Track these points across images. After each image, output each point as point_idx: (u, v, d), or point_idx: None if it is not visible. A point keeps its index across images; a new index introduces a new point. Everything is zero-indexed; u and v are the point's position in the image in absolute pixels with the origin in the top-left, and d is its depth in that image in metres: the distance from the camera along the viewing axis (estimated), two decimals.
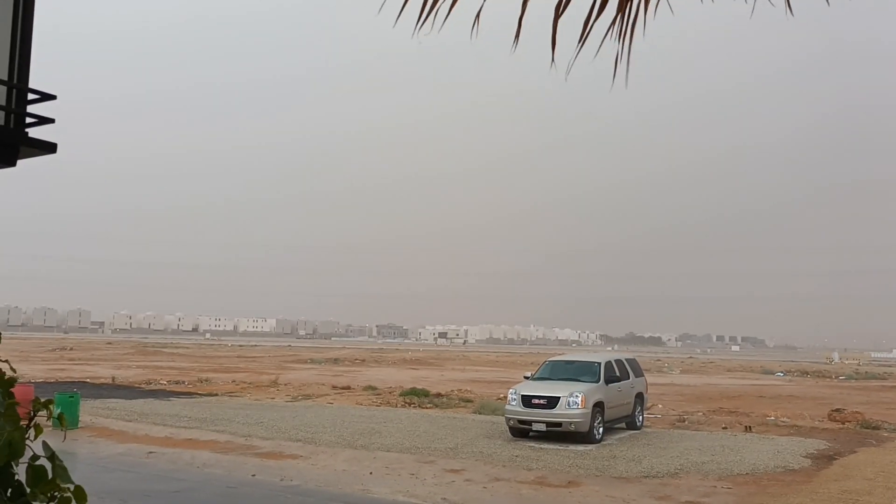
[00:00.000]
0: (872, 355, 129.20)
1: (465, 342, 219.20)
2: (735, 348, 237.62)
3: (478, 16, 2.10)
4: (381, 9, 2.10)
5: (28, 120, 3.16)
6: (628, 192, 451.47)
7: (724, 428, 20.48)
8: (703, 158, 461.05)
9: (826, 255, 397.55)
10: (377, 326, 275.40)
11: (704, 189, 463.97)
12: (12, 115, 3.10)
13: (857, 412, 23.23)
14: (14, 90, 3.12)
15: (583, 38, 2.06)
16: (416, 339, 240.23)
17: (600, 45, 2.09)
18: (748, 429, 19.99)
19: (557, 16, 2.03)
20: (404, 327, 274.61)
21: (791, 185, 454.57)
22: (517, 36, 2.10)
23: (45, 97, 3.21)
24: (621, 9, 2.07)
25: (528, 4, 2.06)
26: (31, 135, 3.13)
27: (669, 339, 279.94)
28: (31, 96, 3.20)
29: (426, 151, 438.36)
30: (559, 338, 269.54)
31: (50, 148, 3.17)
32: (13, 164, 3.11)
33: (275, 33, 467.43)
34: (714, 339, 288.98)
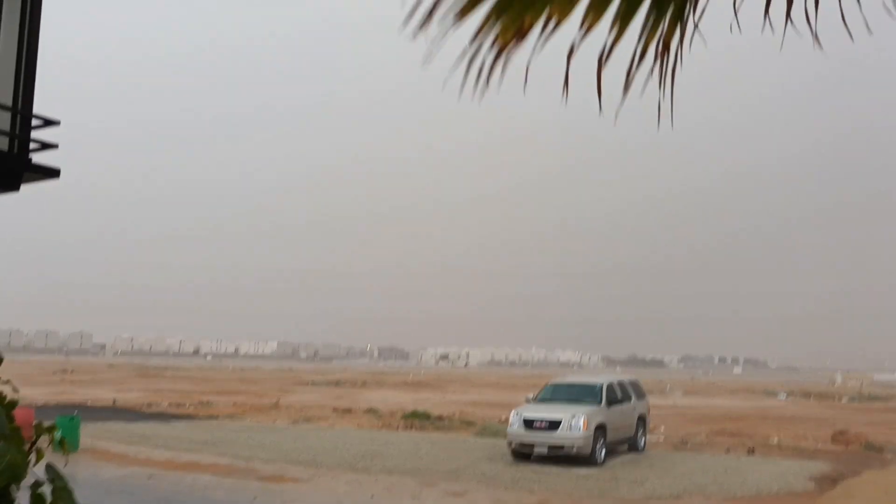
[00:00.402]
0: (875, 377, 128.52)
1: (466, 364, 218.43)
2: (737, 370, 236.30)
3: (527, 71, 2.19)
4: (445, 84, 2.18)
5: (32, 145, 3.20)
6: (631, 215, 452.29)
7: (726, 450, 20.36)
8: (705, 182, 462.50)
9: (827, 276, 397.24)
10: (378, 349, 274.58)
11: (706, 211, 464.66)
12: (16, 141, 3.14)
13: (860, 434, 23.10)
14: (18, 116, 3.16)
15: (627, 85, 2.15)
16: (418, 362, 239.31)
17: (643, 89, 2.19)
18: (751, 451, 19.88)
19: (601, 66, 2.12)
20: (405, 349, 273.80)
21: (793, 206, 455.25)
22: (566, 85, 2.19)
23: (49, 123, 3.25)
24: (659, 56, 2.16)
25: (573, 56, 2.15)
26: (34, 160, 3.17)
27: (671, 361, 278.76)
28: (34, 122, 3.24)
29: (434, 178, 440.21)
30: (561, 360, 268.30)
31: (53, 173, 3.20)
32: (17, 189, 3.14)
33: (286, 62, 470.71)
34: (716, 360, 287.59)
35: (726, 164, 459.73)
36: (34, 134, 3.24)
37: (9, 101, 3.11)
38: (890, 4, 2.06)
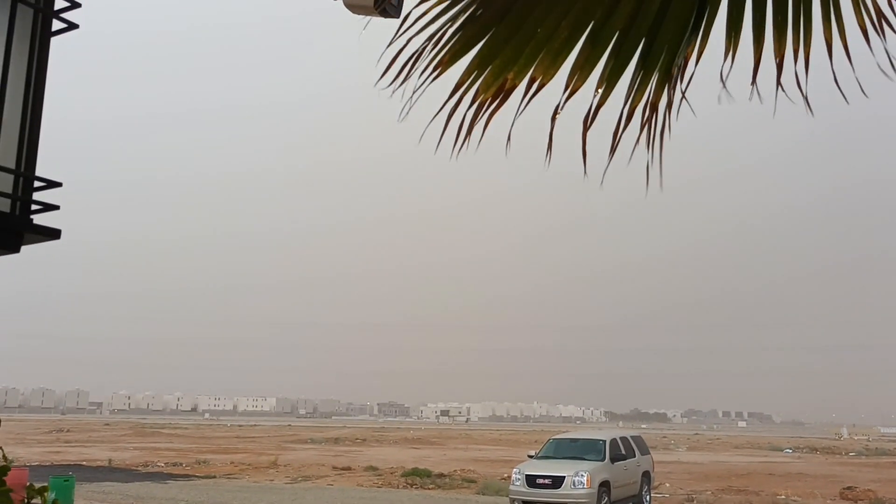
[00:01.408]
0: (882, 430, 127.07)
1: (467, 420, 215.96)
2: (742, 424, 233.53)
3: (509, 137, 2.19)
4: (421, 138, 2.19)
5: (33, 207, 3.24)
6: (632, 269, 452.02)
7: None
8: (707, 236, 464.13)
9: (832, 330, 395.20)
10: (378, 404, 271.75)
11: (709, 265, 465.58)
12: (18, 203, 3.18)
13: (869, 490, 22.73)
14: (21, 178, 3.21)
15: (613, 147, 2.14)
16: (418, 417, 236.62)
17: (632, 154, 2.18)
18: None
19: (586, 129, 2.10)
20: (406, 405, 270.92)
21: (796, 260, 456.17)
22: (549, 148, 2.17)
23: (51, 184, 3.30)
24: (647, 117, 2.15)
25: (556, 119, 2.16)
26: (35, 221, 3.20)
27: (675, 416, 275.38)
28: (37, 183, 3.29)
29: (431, 236, 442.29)
30: (563, 415, 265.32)
31: (54, 234, 3.23)
32: (17, 250, 3.17)
33: (286, 122, 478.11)
34: (720, 414, 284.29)
35: (729, 217, 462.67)
36: (36, 195, 3.28)
37: (12, 164, 3.16)
38: (887, 66, 2.07)
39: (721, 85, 2.14)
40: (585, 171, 2.15)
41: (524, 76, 2.15)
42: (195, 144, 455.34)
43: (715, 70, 2.16)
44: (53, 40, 3.49)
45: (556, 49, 2.13)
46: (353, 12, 2.93)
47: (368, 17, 2.78)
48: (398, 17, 2.96)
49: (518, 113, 2.16)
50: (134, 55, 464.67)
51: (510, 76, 2.16)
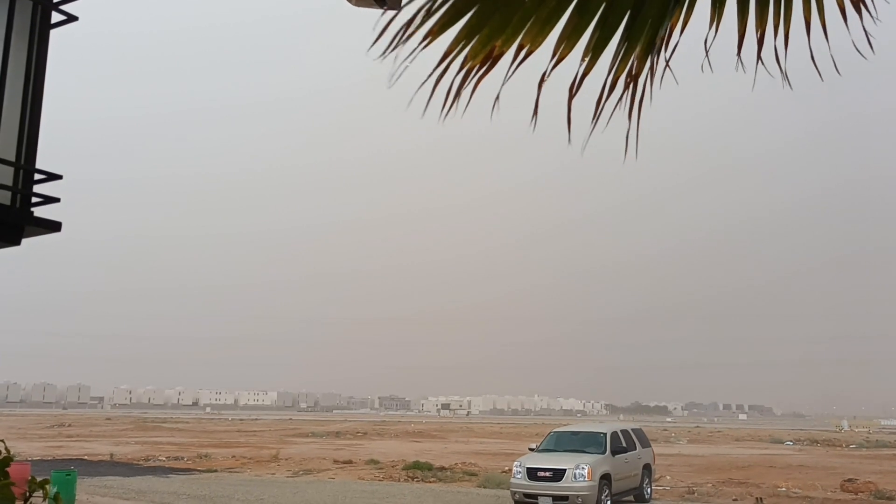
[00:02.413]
0: (882, 422, 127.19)
1: (468, 413, 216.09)
2: (742, 417, 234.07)
3: (497, 98, 2.22)
4: (409, 103, 2.22)
5: (34, 199, 3.23)
6: (635, 263, 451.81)
7: (734, 500, 20.04)
8: (708, 230, 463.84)
9: (832, 322, 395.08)
10: (379, 398, 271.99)
11: (708, 260, 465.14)
12: (18, 195, 3.18)
13: (869, 482, 22.76)
14: (21, 171, 3.20)
15: (596, 116, 2.19)
16: (419, 411, 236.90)
17: (608, 121, 2.22)
18: (759, 500, 19.55)
19: (571, 96, 2.16)
20: (406, 399, 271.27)
21: (797, 253, 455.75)
22: (534, 115, 2.21)
23: (52, 177, 3.29)
24: (628, 86, 2.20)
25: (543, 87, 2.19)
26: (36, 214, 3.20)
27: (675, 409, 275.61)
28: (37, 176, 3.28)
29: (433, 232, 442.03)
30: (564, 408, 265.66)
31: (54, 227, 3.23)
32: (17, 243, 3.17)
33: (286, 121, 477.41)
34: (721, 407, 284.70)
35: (729, 213, 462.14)
36: (36, 188, 3.27)
37: (12, 157, 3.15)
38: (863, 47, 2.11)
39: (705, 58, 2.21)
40: (570, 139, 2.20)
41: (512, 44, 2.19)
42: (194, 143, 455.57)
43: (699, 42, 2.22)
44: (55, 39, 3.48)
45: (543, 18, 2.18)
46: (354, 4, 2.92)
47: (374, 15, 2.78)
48: (398, 9, 2.95)
49: (506, 78, 2.19)
50: (134, 55, 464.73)
51: (498, 44, 2.20)
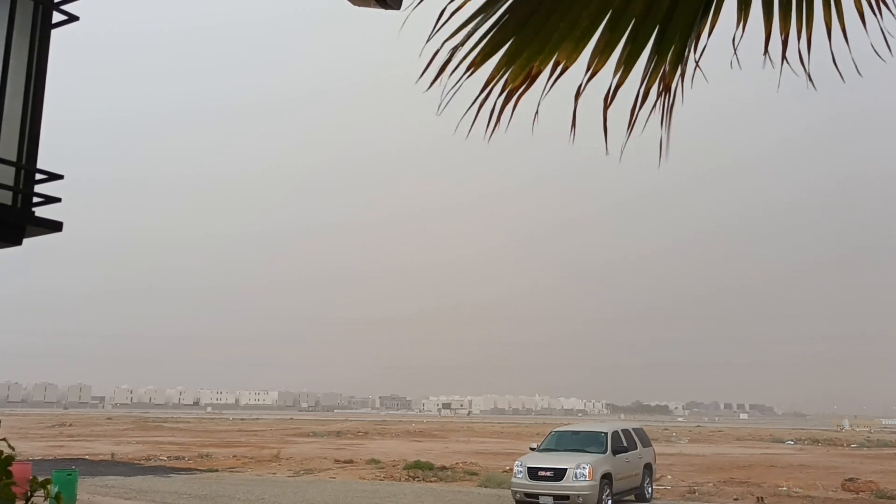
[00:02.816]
0: (883, 422, 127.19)
1: (469, 413, 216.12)
2: (743, 416, 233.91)
3: (536, 112, 2.37)
4: (456, 129, 2.39)
5: (35, 199, 3.23)
6: (635, 262, 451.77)
7: (735, 499, 20.03)
8: (709, 227, 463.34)
9: (833, 321, 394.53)
10: (380, 398, 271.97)
11: (709, 259, 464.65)
12: (20, 195, 3.18)
13: (870, 481, 22.75)
14: (22, 171, 3.20)
15: (630, 125, 2.31)
16: (420, 411, 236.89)
17: (644, 128, 2.35)
18: (760, 500, 19.55)
19: (606, 106, 2.28)
20: (407, 398, 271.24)
21: (798, 252, 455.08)
22: (573, 125, 2.34)
23: (53, 177, 3.29)
24: (660, 95, 2.33)
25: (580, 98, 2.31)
26: (37, 213, 3.20)
27: (676, 408, 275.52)
28: (38, 176, 3.28)
29: (434, 232, 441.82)
30: (564, 407, 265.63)
31: (56, 227, 3.23)
32: (19, 243, 3.17)
33: (286, 121, 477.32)
34: (721, 406, 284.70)
35: (730, 212, 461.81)
36: (38, 188, 3.27)
37: (13, 157, 3.15)
38: (881, 48, 2.16)
39: (729, 65, 2.30)
40: (607, 147, 2.32)
41: (549, 62, 2.34)
42: (195, 143, 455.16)
43: (724, 48, 2.30)
44: (57, 39, 3.48)
45: (577, 37, 2.32)
46: (354, 4, 2.92)
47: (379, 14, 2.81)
48: (398, 8, 2.95)
49: (544, 94, 2.33)
50: (134, 55, 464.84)
51: (536, 64, 2.35)
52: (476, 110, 2.37)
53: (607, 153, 2.32)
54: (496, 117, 2.36)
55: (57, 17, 3.48)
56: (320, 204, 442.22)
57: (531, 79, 2.33)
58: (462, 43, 2.38)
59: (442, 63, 2.37)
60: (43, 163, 3.30)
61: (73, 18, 3.51)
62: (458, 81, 2.34)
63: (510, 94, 2.35)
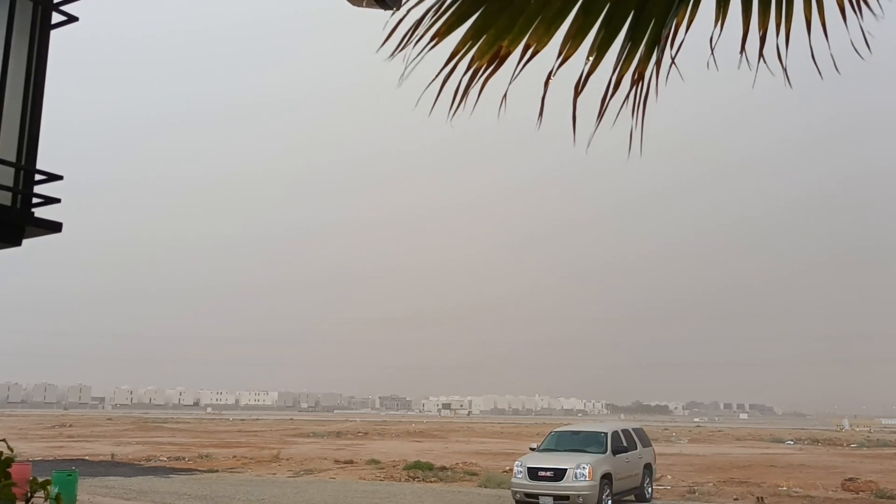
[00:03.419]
0: (883, 422, 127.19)
1: (469, 413, 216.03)
2: (743, 416, 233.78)
3: (504, 97, 2.27)
4: (417, 103, 2.27)
5: (34, 200, 3.23)
6: (634, 262, 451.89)
7: (735, 499, 20.03)
8: (708, 228, 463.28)
9: (833, 321, 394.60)
10: (380, 398, 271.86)
11: (708, 259, 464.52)
12: (19, 196, 3.18)
13: (870, 481, 22.75)
14: (21, 171, 3.20)
15: (600, 114, 2.22)
16: (420, 411, 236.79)
17: (615, 120, 2.25)
18: (760, 500, 19.54)
19: (576, 95, 2.19)
20: (407, 398, 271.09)
21: (798, 251, 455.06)
22: (541, 113, 2.25)
23: (52, 178, 3.29)
24: (633, 85, 2.24)
25: (549, 84, 2.23)
26: (36, 214, 3.20)
27: (676, 408, 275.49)
28: (38, 177, 3.28)
29: (434, 232, 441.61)
30: (564, 407, 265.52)
31: (55, 227, 3.22)
32: (18, 243, 3.17)
33: (286, 121, 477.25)
34: (721, 406, 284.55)
35: (729, 212, 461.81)
36: (37, 189, 3.27)
37: (13, 157, 3.15)
38: (862, 47, 2.13)
39: (710, 55, 2.22)
40: (574, 138, 2.22)
41: (518, 44, 2.23)
42: (193, 144, 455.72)
43: (702, 46, 2.24)
44: (56, 41, 3.48)
45: (549, 18, 2.21)
46: (353, 4, 2.92)
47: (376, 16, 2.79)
48: (398, 7, 2.95)
49: (513, 77, 2.23)
50: (131, 57, 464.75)
51: (504, 44, 2.24)
52: (439, 86, 2.25)
53: (574, 143, 2.22)
54: (461, 96, 2.25)
55: (56, 17, 3.48)
56: (320, 204, 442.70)
57: (500, 59, 2.23)
58: (428, 12, 2.26)
59: (402, 34, 2.26)
60: (42, 163, 3.30)
61: (72, 19, 3.51)
62: (421, 53, 2.24)
63: (476, 72, 2.25)
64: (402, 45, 2.25)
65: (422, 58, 2.23)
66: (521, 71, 2.21)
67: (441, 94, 2.25)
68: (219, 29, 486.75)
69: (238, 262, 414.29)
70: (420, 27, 2.26)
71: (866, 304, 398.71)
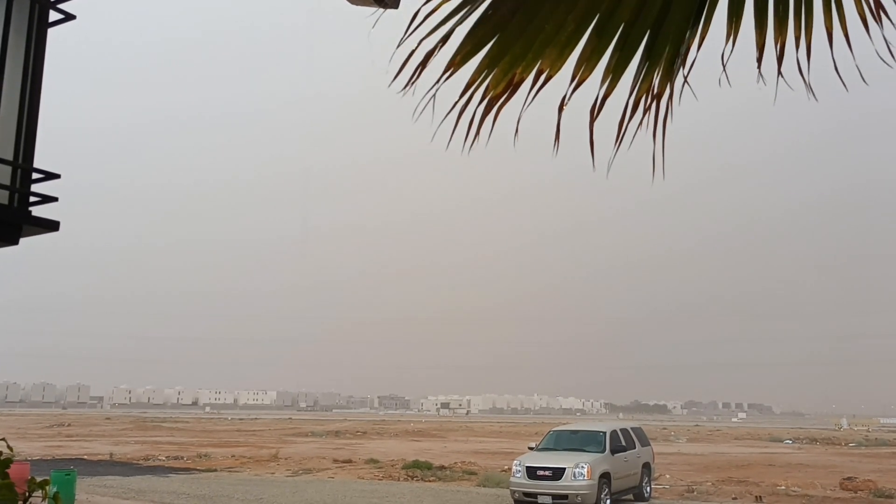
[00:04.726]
0: (881, 421, 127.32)
1: (467, 412, 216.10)
2: (741, 415, 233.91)
3: (518, 122, 2.23)
4: (433, 137, 2.24)
5: (32, 198, 3.22)
6: (633, 262, 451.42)
7: (734, 498, 20.04)
8: (708, 229, 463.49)
9: (832, 321, 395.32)
10: (379, 397, 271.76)
11: (708, 261, 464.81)
12: (16, 195, 3.17)
13: (869, 480, 22.77)
14: (19, 170, 3.19)
15: (619, 139, 2.18)
16: (419, 410, 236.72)
17: (632, 141, 2.22)
18: (759, 499, 19.55)
19: (593, 119, 2.14)
20: (406, 398, 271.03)
21: (797, 253, 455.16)
22: (556, 138, 2.21)
23: (50, 176, 3.29)
24: (649, 107, 2.19)
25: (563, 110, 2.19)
26: (34, 213, 3.19)
27: (675, 407, 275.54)
28: (35, 175, 3.27)
29: (436, 234, 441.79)
30: (563, 406, 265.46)
31: (52, 226, 3.22)
32: (16, 242, 3.16)
33: (286, 125, 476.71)
34: (720, 406, 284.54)
35: (730, 215, 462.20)
36: (34, 187, 3.26)
37: (10, 156, 3.14)
38: (886, 55, 2.10)
39: (722, 72, 2.18)
40: (594, 162, 2.18)
41: (532, 70, 2.18)
42: (193, 149, 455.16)
43: (717, 57, 2.20)
44: (56, 46, 3.47)
45: (562, 42, 2.16)
46: (353, 3, 2.91)
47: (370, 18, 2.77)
48: (397, 7, 2.94)
49: (526, 105, 2.18)
50: (129, 64, 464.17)
51: (518, 70, 2.19)
52: (456, 118, 2.21)
53: (594, 169, 2.17)
54: (476, 128, 2.21)
55: (54, 15, 3.47)
56: (317, 209, 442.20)
57: (513, 87, 2.19)
58: (442, 41, 2.21)
59: (416, 65, 2.21)
60: (39, 164, 3.29)
61: (69, 17, 3.50)
62: (436, 84, 2.19)
63: (491, 101, 2.20)
64: (416, 77, 2.22)
65: (437, 89, 2.19)
66: (534, 98, 2.16)
67: (457, 125, 2.22)
68: (216, 35, 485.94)
69: (238, 263, 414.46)
70: (433, 57, 2.22)
71: (865, 304, 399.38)
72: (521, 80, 2.19)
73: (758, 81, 2.14)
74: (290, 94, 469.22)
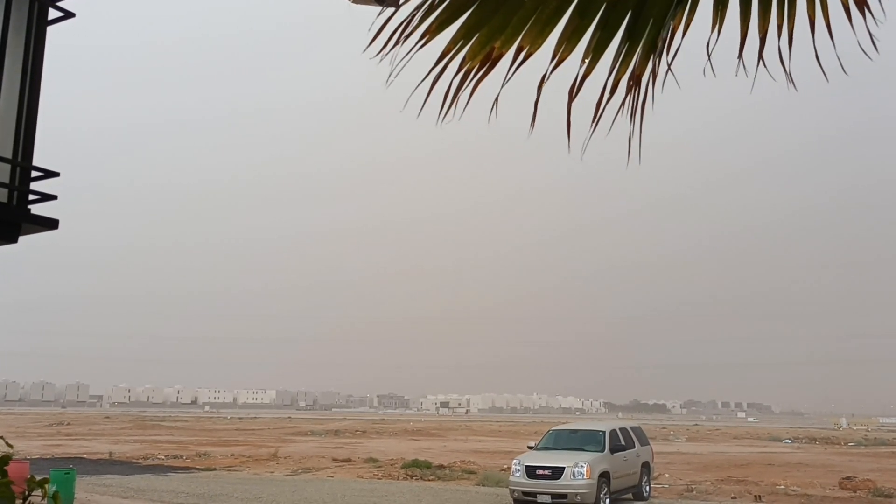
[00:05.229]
0: (881, 421, 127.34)
1: (467, 411, 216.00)
2: (741, 415, 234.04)
3: (496, 101, 2.19)
4: (405, 104, 2.20)
5: (31, 197, 3.21)
6: (634, 263, 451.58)
7: (733, 498, 20.04)
8: (709, 230, 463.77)
9: (832, 321, 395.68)
10: (378, 396, 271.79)
11: (708, 261, 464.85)
12: (15, 193, 3.16)
13: (868, 480, 22.79)
14: (18, 168, 3.18)
15: (596, 118, 2.15)
16: (418, 409, 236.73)
17: (611, 125, 2.19)
18: (758, 498, 19.55)
19: (571, 98, 2.12)
20: (405, 397, 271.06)
21: (796, 254, 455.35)
22: (533, 119, 2.19)
23: (49, 174, 3.28)
24: (630, 90, 2.16)
25: (542, 88, 2.17)
26: (33, 211, 3.18)
27: (674, 407, 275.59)
28: (34, 173, 3.26)
29: (437, 236, 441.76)
30: (562, 406, 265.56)
31: (52, 224, 3.21)
32: (15, 240, 3.15)
33: (285, 126, 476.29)
34: (719, 405, 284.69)
35: (728, 214, 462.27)
36: (34, 185, 3.26)
37: (9, 154, 3.14)
38: (867, 46, 2.08)
39: (706, 59, 2.16)
40: (569, 143, 2.16)
41: (511, 45, 2.16)
42: (195, 150, 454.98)
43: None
44: (55, 47, 3.46)
45: (543, 19, 2.14)
46: (353, 2, 2.91)
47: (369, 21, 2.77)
48: (396, 6, 2.94)
49: (505, 80, 2.16)
50: (129, 64, 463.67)
51: (497, 45, 2.16)
52: (429, 86, 2.15)
53: (569, 151, 2.15)
54: (451, 98, 2.17)
55: (53, 13, 3.46)
56: (317, 210, 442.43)
57: (492, 62, 2.15)
58: (419, 8, 2.17)
59: (392, 32, 2.17)
60: (39, 163, 3.28)
61: (69, 15, 3.49)
62: (410, 52, 2.15)
63: (468, 73, 2.17)
64: (391, 44, 2.18)
65: (411, 57, 2.15)
66: (513, 74, 2.13)
67: (433, 96, 2.17)
68: (214, 37, 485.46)
69: (237, 263, 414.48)
70: (410, 24, 2.18)
71: (865, 304, 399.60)
72: (500, 56, 2.16)
73: (736, 74, 2.13)
74: (290, 95, 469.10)
